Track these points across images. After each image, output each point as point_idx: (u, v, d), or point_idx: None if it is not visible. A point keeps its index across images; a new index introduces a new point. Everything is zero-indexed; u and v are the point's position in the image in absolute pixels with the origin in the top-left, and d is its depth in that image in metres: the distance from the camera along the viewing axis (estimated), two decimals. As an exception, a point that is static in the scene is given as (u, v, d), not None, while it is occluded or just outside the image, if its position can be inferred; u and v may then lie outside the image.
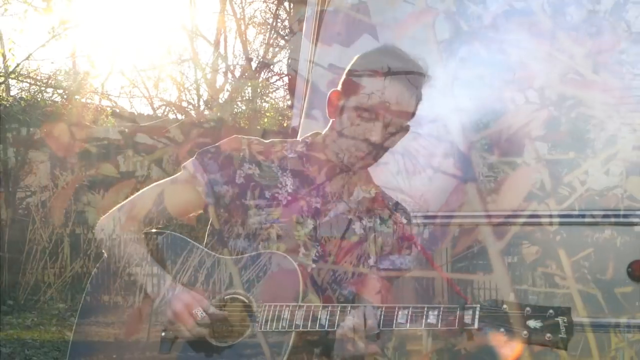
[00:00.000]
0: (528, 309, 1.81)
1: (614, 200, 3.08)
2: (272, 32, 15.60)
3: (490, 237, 3.16)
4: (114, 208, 2.22)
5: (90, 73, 11.96)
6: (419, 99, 2.10)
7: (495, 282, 3.26)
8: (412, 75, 2.05)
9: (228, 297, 2.06)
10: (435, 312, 1.87)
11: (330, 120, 2.15)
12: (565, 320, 1.78)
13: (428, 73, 2.10)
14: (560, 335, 1.78)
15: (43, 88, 10.94)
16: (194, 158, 2.17)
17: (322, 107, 2.18)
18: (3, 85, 10.03)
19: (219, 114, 14.42)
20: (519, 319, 1.81)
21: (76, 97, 10.86)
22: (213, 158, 2.15)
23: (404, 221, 2.22)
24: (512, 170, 3.27)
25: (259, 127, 12.61)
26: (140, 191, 2.22)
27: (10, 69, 9.75)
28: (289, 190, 2.13)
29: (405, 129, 2.11)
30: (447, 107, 3.19)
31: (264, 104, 15.44)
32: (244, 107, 14.75)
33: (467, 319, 1.83)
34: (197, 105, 15.73)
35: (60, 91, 11.04)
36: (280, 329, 1.96)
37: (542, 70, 3.19)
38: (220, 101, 15.47)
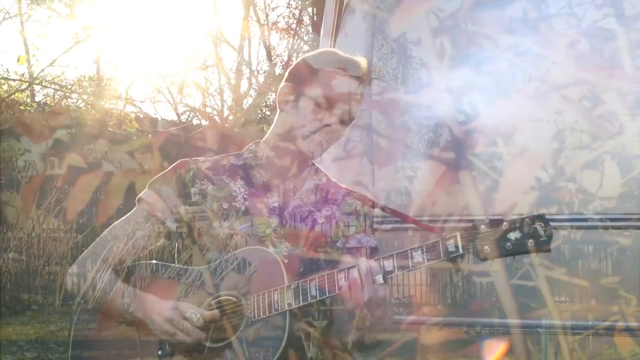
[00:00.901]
0: (505, 223, 1.89)
1: None
2: (296, 37, 15.62)
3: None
4: (82, 255, 2.27)
5: (115, 79, 12.02)
6: (362, 93, 2.23)
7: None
8: (356, 69, 2.19)
9: (216, 300, 2.10)
10: (419, 251, 1.94)
11: (277, 115, 2.27)
12: (543, 224, 1.86)
13: (368, 72, 2.26)
14: (542, 239, 1.86)
15: (68, 94, 11.03)
16: (147, 189, 2.25)
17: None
18: (27, 91, 10.12)
19: (242, 119, 14.46)
20: (499, 234, 1.89)
21: (100, 102, 10.93)
22: (165, 183, 2.23)
23: (359, 203, 2.29)
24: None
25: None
26: (103, 234, 2.26)
27: (35, 75, 9.82)
28: (245, 196, 2.21)
29: (351, 119, 2.22)
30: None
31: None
32: (268, 113, 14.78)
33: (451, 247, 1.92)
34: (221, 110, 15.77)
35: (85, 97, 11.12)
36: (274, 312, 2.01)
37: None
38: (244, 106, 15.51)
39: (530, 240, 1.87)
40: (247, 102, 15.90)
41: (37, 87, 10.60)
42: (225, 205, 2.19)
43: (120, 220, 2.26)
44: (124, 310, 2.15)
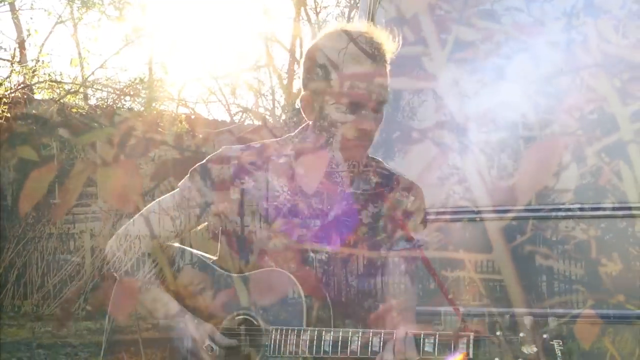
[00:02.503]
0: (522, 334, 1.79)
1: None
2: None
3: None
4: (120, 229, 2.22)
5: (167, 80, 12.14)
6: (384, 70, 2.00)
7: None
8: (374, 52, 1.97)
9: (238, 318, 2.06)
10: (432, 340, 1.85)
11: (310, 123, 2.09)
12: (561, 343, 1.77)
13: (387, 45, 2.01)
14: (557, 358, 1.77)
15: (122, 96, 11.18)
16: (187, 178, 2.15)
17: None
18: (80, 94, 10.30)
19: (294, 119, 14.45)
20: (513, 345, 1.79)
21: (153, 104, 11.05)
22: (205, 177, 2.11)
23: (412, 198, 2.13)
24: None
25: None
26: (141, 211, 2.20)
27: (86, 77, 9.99)
28: (287, 196, 2.07)
29: (384, 102, 2.03)
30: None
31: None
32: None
33: (462, 346, 1.82)
34: (273, 110, 15.82)
35: (139, 99, 11.26)
36: (288, 354, 1.95)
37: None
38: (297, 106, 15.51)
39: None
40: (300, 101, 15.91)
41: (89, 90, 10.78)
42: (265, 205, 2.08)
43: (159, 199, 2.21)
44: (150, 306, 2.12)
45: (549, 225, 3.17)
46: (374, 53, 1.98)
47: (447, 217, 3.32)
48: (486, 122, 3.28)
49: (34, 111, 8.98)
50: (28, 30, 9.91)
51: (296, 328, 1.95)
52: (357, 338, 1.91)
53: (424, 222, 2.15)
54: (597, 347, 2.98)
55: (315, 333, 1.93)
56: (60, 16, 11.09)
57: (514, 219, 3.20)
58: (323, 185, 2.08)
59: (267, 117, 15.86)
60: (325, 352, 1.92)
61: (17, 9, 10.37)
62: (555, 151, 3.14)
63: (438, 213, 3.28)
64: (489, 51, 3.33)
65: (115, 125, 9.49)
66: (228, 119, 15.09)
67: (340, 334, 1.92)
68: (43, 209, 9.10)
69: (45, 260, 8.91)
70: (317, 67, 2.01)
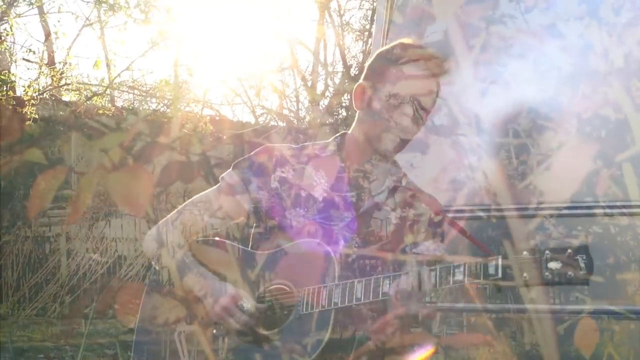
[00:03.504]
0: (547, 252, 1.89)
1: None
2: (370, 38, 15.58)
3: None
4: (161, 221, 2.37)
5: (192, 82, 12.24)
6: (439, 86, 2.22)
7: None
8: (431, 62, 2.18)
9: (270, 287, 2.20)
10: (461, 269, 1.97)
11: (357, 114, 2.28)
12: (585, 257, 1.86)
13: (446, 64, 2.22)
14: (581, 272, 1.86)
15: (148, 98, 11.29)
16: (230, 170, 2.33)
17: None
18: (107, 96, 10.42)
19: (319, 120, 14.51)
20: (540, 263, 1.89)
21: (179, 106, 11.15)
22: (248, 167, 2.30)
23: (436, 210, 2.30)
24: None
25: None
26: (184, 204, 2.37)
27: (113, 80, 10.11)
28: (325, 187, 2.24)
29: (426, 115, 2.23)
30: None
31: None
32: (344, 114, 14.78)
33: (491, 269, 1.93)
34: (297, 112, 15.86)
35: (165, 101, 11.37)
36: (320, 308, 2.09)
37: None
38: (321, 108, 15.55)
39: (569, 273, 1.86)
40: (324, 103, 15.94)
41: (116, 92, 10.90)
42: (303, 194, 2.24)
43: (201, 193, 2.36)
44: (187, 285, 2.24)
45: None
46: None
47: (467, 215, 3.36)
48: (501, 123, 3.32)
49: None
50: (56, 33, 10.06)
51: (328, 284, 2.09)
52: (388, 280, 2.04)
53: (442, 236, 2.31)
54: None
55: (347, 284, 2.07)
56: (87, 19, 11.24)
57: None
58: (357, 182, 2.26)
59: (291, 118, 15.91)
60: (357, 299, 2.06)
61: (45, 12, 10.51)
62: (580, 155, 3.17)
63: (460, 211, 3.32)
64: (507, 54, 3.37)
65: (141, 127, 9.56)
66: (252, 121, 15.17)
67: (372, 280, 2.06)
68: (18, 212, 9.09)
69: (20, 264, 8.84)
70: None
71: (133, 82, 11.06)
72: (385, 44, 3.69)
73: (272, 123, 15.61)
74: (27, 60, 9.88)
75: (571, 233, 3.13)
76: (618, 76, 3.08)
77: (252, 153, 2.33)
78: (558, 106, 3.26)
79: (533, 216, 3.21)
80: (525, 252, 1.92)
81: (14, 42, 9.76)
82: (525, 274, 1.90)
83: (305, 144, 2.35)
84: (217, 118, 12.30)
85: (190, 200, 2.36)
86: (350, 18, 16.17)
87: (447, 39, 3.51)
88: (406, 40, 2.27)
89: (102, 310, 8.17)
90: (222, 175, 2.34)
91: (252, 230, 2.34)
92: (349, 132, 2.32)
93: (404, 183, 2.31)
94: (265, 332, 2.16)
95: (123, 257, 9.15)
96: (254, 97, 15.91)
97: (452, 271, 1.98)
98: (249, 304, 2.15)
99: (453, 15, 3.50)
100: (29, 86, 9.07)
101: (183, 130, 9.67)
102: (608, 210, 3.09)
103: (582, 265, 1.86)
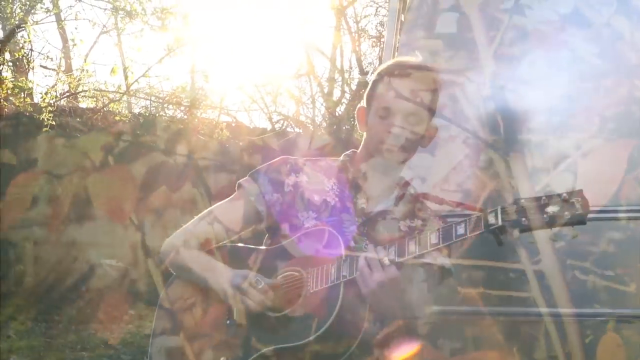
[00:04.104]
0: (544, 197, 1.97)
1: None
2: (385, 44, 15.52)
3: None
4: (179, 230, 2.47)
5: (209, 89, 12.25)
6: (434, 98, 2.32)
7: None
8: (421, 74, 2.29)
9: (281, 274, 2.30)
10: (462, 224, 2.05)
11: (364, 135, 2.42)
12: (580, 199, 1.94)
13: (438, 75, 2.35)
14: (578, 212, 1.93)
15: (165, 105, 11.31)
16: (247, 176, 2.46)
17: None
18: (125, 102, 10.45)
19: (335, 127, 14.49)
20: (538, 208, 1.97)
21: (195, 112, 11.16)
22: (263, 173, 2.43)
23: (441, 224, 2.36)
24: None
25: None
26: (202, 213, 2.47)
27: (129, 86, 10.14)
28: (337, 193, 2.36)
29: (431, 128, 2.34)
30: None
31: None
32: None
33: (492, 219, 2.00)
34: (313, 118, 15.85)
35: (182, 108, 11.38)
36: (330, 283, 2.18)
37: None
38: (338, 114, 15.53)
39: (567, 213, 1.94)
40: (340, 109, 15.93)
41: (133, 99, 10.93)
42: (316, 197, 2.35)
43: (221, 202, 2.49)
44: (198, 275, 2.34)
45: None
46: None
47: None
48: (518, 122, 3.28)
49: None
50: (73, 40, 10.12)
51: (336, 260, 2.19)
52: (393, 249, 2.15)
53: (448, 249, 2.33)
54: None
55: (355, 257, 2.17)
56: (104, 26, 11.29)
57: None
58: (369, 190, 2.39)
59: (307, 124, 15.90)
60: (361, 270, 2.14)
61: (62, 19, 10.57)
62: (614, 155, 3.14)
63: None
64: (530, 49, 3.33)
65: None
66: (269, 127, 15.17)
67: (377, 249, 2.16)
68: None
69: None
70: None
71: (150, 88, 11.07)
72: (397, 42, 3.68)
73: (289, 129, 15.61)
74: (45, 67, 9.96)
75: (594, 239, 3.10)
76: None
77: (268, 162, 2.46)
78: (579, 103, 3.21)
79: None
80: (522, 200, 1.99)
81: (31, 49, 9.81)
82: (524, 220, 1.96)
83: (319, 157, 2.49)
84: (233, 124, 12.30)
85: (209, 209, 2.45)
86: (366, 25, 16.13)
87: (460, 33, 3.48)
88: (401, 57, 2.44)
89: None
90: (239, 182, 2.46)
91: (266, 235, 2.45)
92: (360, 147, 2.45)
93: (411, 192, 2.44)
94: (278, 314, 2.21)
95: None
96: (271, 104, 15.94)
97: (454, 228, 2.05)
98: (262, 282, 2.22)
99: (471, 7, 3.47)
100: (46, 93, 9.12)
101: (199, 136, 9.67)
102: (632, 215, 3.07)
103: (578, 206, 1.93)
